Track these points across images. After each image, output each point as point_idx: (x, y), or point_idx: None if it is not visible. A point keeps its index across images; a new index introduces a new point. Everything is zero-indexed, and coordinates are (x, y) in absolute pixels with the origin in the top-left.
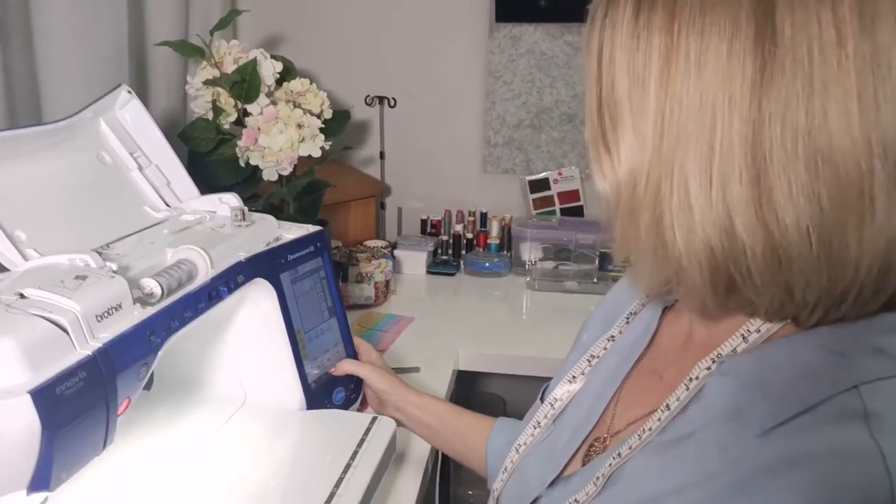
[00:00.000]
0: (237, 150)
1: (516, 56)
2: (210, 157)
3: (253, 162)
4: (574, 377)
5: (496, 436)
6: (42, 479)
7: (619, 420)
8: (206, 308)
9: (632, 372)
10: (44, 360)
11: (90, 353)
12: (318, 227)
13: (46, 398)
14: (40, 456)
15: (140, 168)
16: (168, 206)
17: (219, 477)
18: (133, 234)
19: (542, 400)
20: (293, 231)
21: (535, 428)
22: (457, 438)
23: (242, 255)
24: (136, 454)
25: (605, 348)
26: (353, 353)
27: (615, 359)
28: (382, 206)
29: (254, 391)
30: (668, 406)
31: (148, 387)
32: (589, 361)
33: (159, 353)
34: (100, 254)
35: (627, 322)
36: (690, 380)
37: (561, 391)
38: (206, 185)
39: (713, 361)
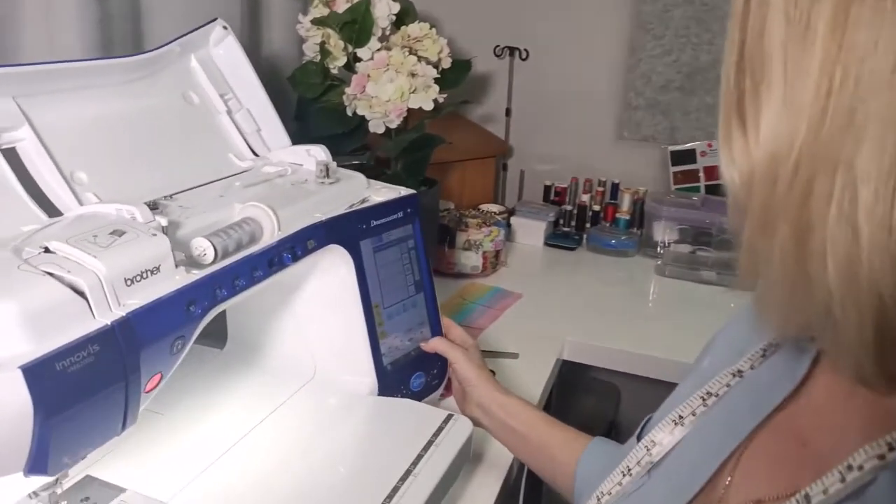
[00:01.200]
0: (344, 97)
1: (671, 5)
2: (316, 105)
3: (360, 112)
4: (681, 418)
5: (588, 460)
6: (39, 463)
7: (737, 493)
8: (264, 276)
9: (762, 428)
10: (51, 330)
11: (108, 324)
12: (411, 191)
13: (42, 375)
14: (34, 439)
15: (229, 112)
16: (256, 155)
17: (275, 452)
18: (209, 183)
19: (638, 439)
20: (383, 193)
21: (623, 475)
22: (543, 453)
23: (319, 217)
24: (193, 415)
25: (727, 385)
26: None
27: (741, 404)
28: (504, 167)
29: (324, 367)
30: (808, 498)
31: (221, 345)
32: (704, 400)
33: (201, 325)
34: (157, 205)
35: (764, 356)
36: (850, 467)
37: (663, 434)
38: (312, 135)
39: (890, 448)
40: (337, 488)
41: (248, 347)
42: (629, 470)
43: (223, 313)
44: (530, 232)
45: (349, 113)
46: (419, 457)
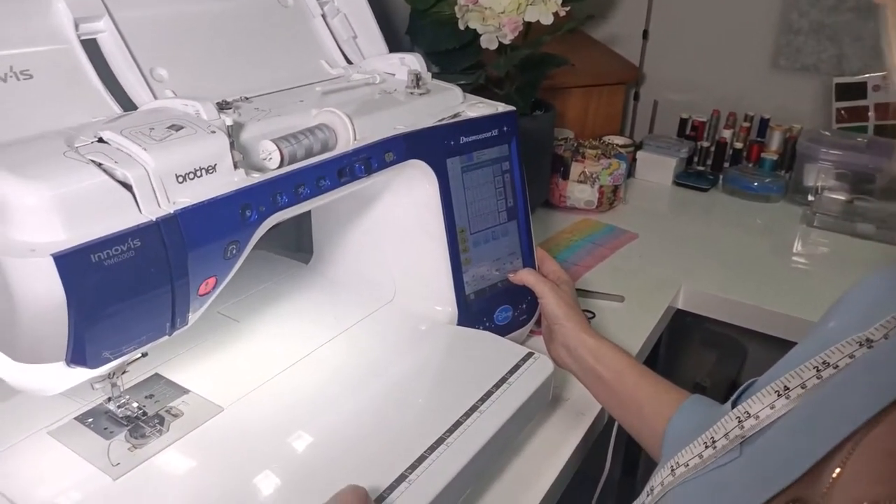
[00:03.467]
0: (456, 8)
1: None
2: (427, 18)
3: (472, 25)
4: (787, 389)
5: (681, 420)
6: (78, 355)
7: (846, 490)
8: (331, 187)
9: (888, 414)
10: (90, 221)
11: (152, 220)
12: (509, 108)
13: (76, 266)
14: (70, 330)
15: (325, 16)
16: (349, 62)
17: (341, 371)
18: (293, 88)
19: (732, 406)
20: (478, 109)
21: (705, 447)
22: (631, 404)
23: (401, 129)
24: (268, 326)
25: (850, 356)
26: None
27: (865, 380)
28: (636, 96)
29: (403, 290)
30: None
31: (307, 259)
32: (818, 371)
33: (258, 232)
34: (229, 105)
35: None
36: None
37: (761, 405)
38: (424, 51)
39: None
40: (397, 416)
41: (330, 264)
42: (713, 441)
43: (310, 226)
44: (658, 168)
45: (461, 26)
46: (489, 393)
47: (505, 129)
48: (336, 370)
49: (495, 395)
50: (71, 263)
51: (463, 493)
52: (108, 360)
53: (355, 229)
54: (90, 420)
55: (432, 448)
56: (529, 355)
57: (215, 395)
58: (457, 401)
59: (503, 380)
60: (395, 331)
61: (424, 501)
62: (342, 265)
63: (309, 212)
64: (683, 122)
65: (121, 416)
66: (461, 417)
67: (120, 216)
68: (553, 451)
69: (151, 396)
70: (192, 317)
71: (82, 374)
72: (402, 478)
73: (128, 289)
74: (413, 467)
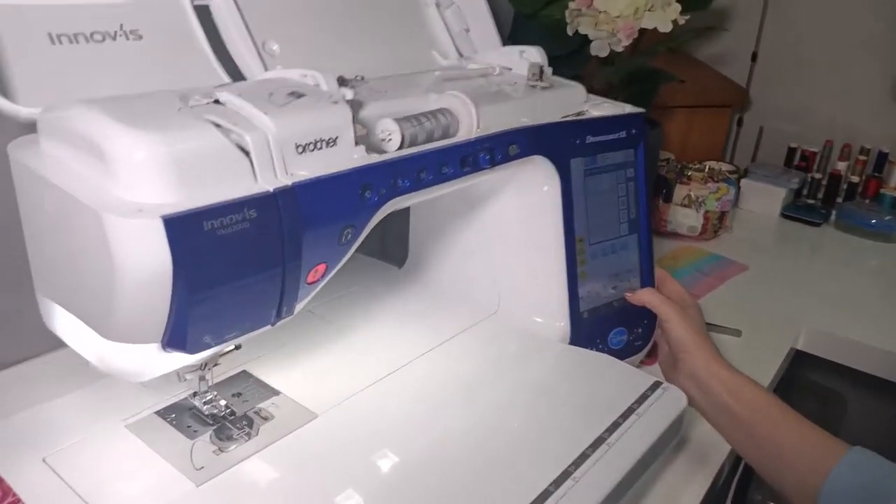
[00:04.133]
0: (567, 13)
1: None
2: (534, 20)
3: (582, 30)
4: None
5: (848, 473)
6: (178, 337)
7: None
8: (453, 175)
9: None
10: (203, 184)
11: (270, 190)
12: (637, 109)
13: (187, 231)
14: (173, 304)
15: (439, 6)
16: (460, 55)
17: (442, 386)
18: (409, 74)
19: None
20: (604, 108)
21: None
22: (771, 448)
23: (525, 121)
24: (361, 330)
25: None
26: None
27: None
28: (739, 122)
29: (509, 302)
30: None
31: (400, 263)
32: None
33: (375, 217)
34: (346, 81)
35: None
36: None
37: None
38: None
39: None
40: (509, 441)
41: (427, 268)
42: None
43: (406, 228)
44: (765, 199)
45: (570, 32)
46: (615, 424)
47: (633, 131)
48: (438, 384)
49: (624, 426)
50: (182, 229)
51: None
52: (206, 347)
53: (459, 232)
54: (172, 416)
55: (557, 482)
56: (657, 385)
57: (307, 399)
58: (580, 429)
59: (630, 410)
60: (501, 345)
61: None
62: (441, 271)
63: (401, 213)
64: (792, 152)
65: (207, 413)
66: (587, 449)
67: (234, 184)
68: (675, 498)
69: (239, 395)
70: (298, 307)
71: (175, 360)
72: None
73: (238, 266)
74: (539, 502)
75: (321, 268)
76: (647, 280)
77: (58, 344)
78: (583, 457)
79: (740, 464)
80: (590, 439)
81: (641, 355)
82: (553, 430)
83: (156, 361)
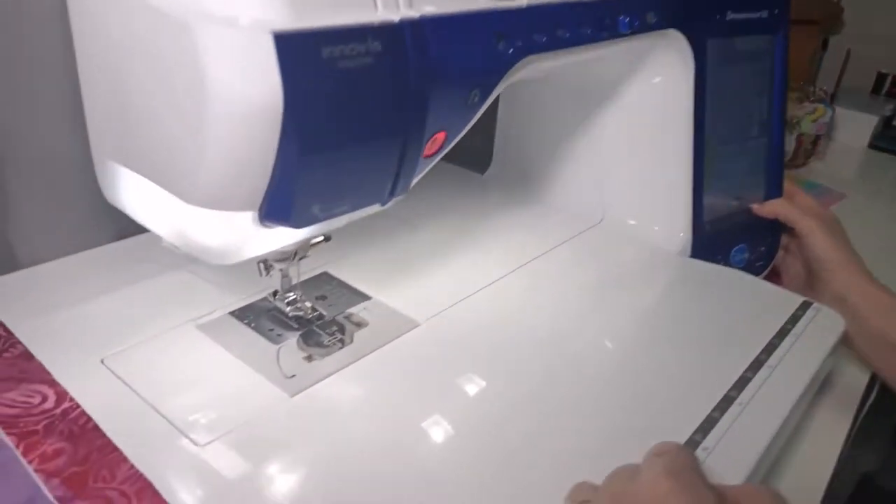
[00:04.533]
0: None
1: None
2: None
3: None
4: None
5: None
6: (281, 203)
7: None
8: (589, 38)
9: None
10: (317, 3)
11: (396, 21)
12: None
13: (301, 55)
14: (278, 156)
15: None
16: None
17: (561, 299)
18: None
19: None
20: None
21: None
22: None
23: None
24: (451, 238)
25: None
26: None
27: None
28: (824, 45)
29: (617, 210)
30: None
31: (482, 169)
32: None
33: (505, 80)
34: None
35: None
36: None
37: None
38: None
39: None
40: (647, 361)
41: (516, 174)
42: None
43: (490, 129)
44: (853, 127)
45: None
46: (772, 345)
47: (776, 12)
48: (550, 299)
49: (782, 347)
50: (296, 51)
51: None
52: (314, 220)
53: (558, 131)
54: (249, 317)
55: (721, 407)
56: (807, 305)
57: (404, 306)
58: (730, 351)
59: (784, 330)
60: (614, 257)
61: (738, 477)
62: (532, 176)
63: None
64: (881, 78)
65: (291, 316)
66: (746, 372)
67: (352, 9)
68: (826, 437)
69: (324, 298)
70: (412, 183)
71: (269, 240)
72: (692, 444)
73: (359, 112)
74: (703, 430)
75: (440, 136)
76: (775, 192)
77: (108, 237)
78: (743, 380)
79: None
80: (745, 362)
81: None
82: (698, 352)
83: (247, 239)
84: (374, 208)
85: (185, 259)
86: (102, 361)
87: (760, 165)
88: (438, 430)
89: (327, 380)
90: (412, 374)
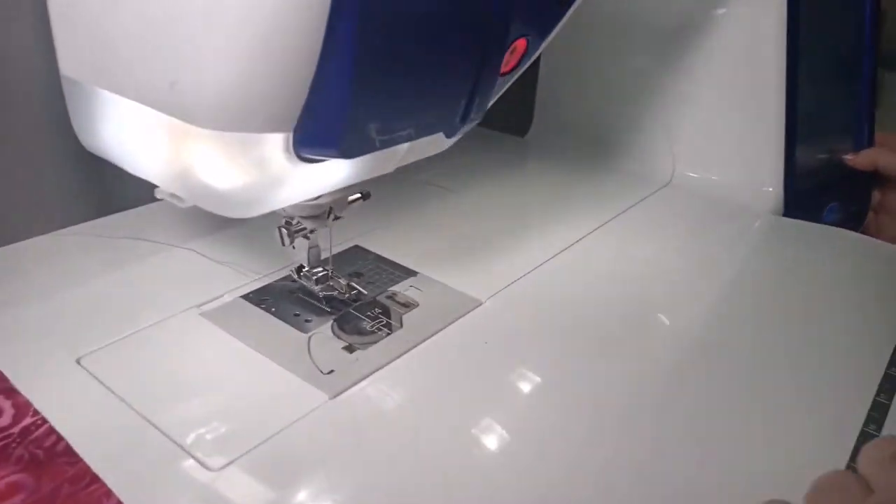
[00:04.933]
0: None
1: None
2: None
3: None
4: None
5: None
6: (327, 121)
7: None
8: None
9: None
10: None
11: None
12: None
13: None
14: (326, 48)
15: None
16: None
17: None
18: None
19: None
20: None
21: None
22: None
23: None
24: (497, 206)
25: None
26: None
27: None
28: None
29: (691, 165)
30: None
31: (522, 132)
32: None
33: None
34: None
35: None
36: None
37: None
38: None
39: None
40: (761, 332)
41: (562, 133)
42: None
43: (530, 93)
44: None
45: None
46: None
47: None
48: (636, 269)
49: None
50: None
51: None
52: (370, 148)
53: (611, 78)
54: (268, 300)
55: (887, 390)
56: None
57: (456, 282)
58: (867, 323)
59: None
60: (699, 220)
61: None
62: (582, 134)
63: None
64: None
65: (322, 296)
66: None
67: None
68: None
69: (360, 276)
70: (487, 106)
71: (302, 184)
72: (866, 437)
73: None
74: (876, 422)
75: (521, 44)
76: (867, 141)
77: (88, 213)
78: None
79: None
80: (892, 338)
81: None
82: (827, 323)
83: (273, 180)
84: (435, 145)
85: (181, 234)
86: (78, 361)
87: (852, 110)
88: (528, 443)
89: (375, 374)
90: (482, 364)
